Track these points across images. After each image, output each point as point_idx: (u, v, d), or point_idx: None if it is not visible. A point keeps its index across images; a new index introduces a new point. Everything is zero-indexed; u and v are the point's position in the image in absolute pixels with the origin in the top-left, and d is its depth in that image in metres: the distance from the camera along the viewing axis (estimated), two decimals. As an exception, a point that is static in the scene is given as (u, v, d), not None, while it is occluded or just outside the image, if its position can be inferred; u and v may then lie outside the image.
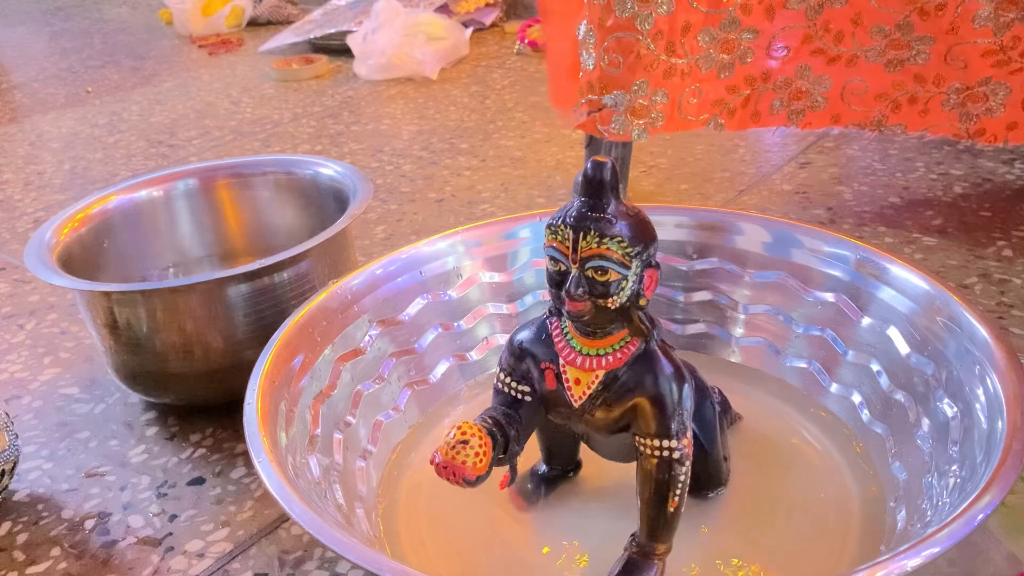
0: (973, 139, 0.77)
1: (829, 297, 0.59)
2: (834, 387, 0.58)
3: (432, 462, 0.42)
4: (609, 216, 0.40)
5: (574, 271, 0.40)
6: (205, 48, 1.96)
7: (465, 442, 0.41)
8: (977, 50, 0.73)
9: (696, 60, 0.77)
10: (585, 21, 0.76)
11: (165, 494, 0.60)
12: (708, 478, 0.51)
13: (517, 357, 0.46)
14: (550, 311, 0.45)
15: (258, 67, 1.75)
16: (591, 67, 0.77)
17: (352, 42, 1.62)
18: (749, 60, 0.79)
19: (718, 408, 0.51)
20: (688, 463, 0.43)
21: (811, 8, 0.76)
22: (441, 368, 0.62)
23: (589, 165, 0.40)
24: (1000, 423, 0.43)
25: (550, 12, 0.85)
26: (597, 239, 0.39)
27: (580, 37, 0.77)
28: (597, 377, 0.43)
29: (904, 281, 0.55)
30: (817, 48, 0.78)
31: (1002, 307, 0.73)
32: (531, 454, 0.50)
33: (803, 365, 0.60)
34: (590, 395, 0.43)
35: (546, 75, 0.91)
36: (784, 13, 0.76)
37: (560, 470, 0.53)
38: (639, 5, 0.72)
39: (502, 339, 0.63)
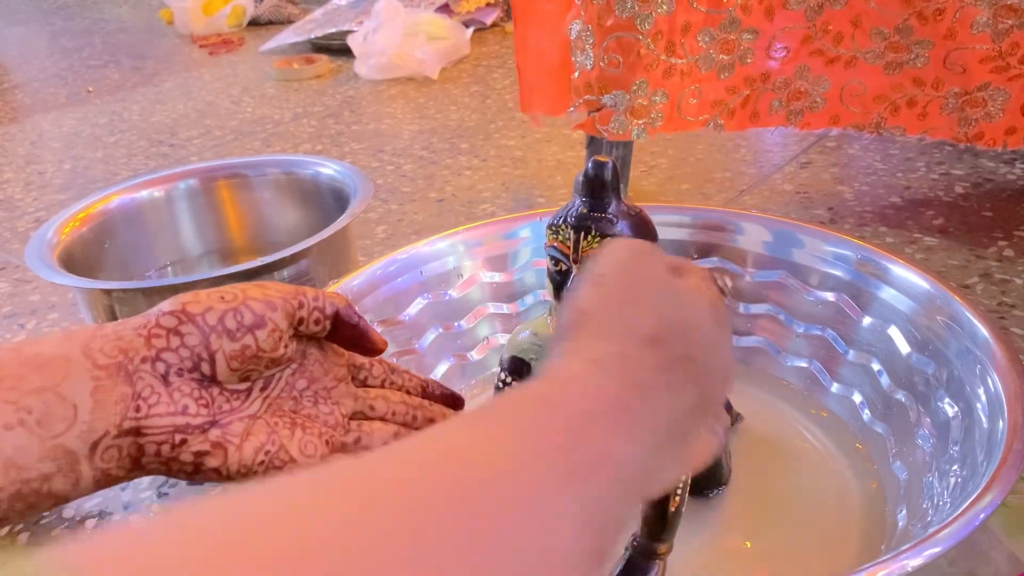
0: (972, 143, 0.77)
1: (830, 296, 0.59)
2: (835, 387, 0.58)
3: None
4: (610, 216, 0.40)
5: (575, 271, 0.40)
6: (206, 48, 1.96)
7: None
8: (976, 55, 0.73)
9: (696, 60, 0.77)
10: (579, 21, 0.76)
11: (166, 493, 0.60)
12: (709, 478, 0.51)
13: (518, 358, 0.46)
14: (551, 311, 0.45)
15: (259, 67, 1.75)
16: (589, 67, 0.77)
17: (353, 42, 1.62)
18: (749, 61, 0.79)
19: (719, 408, 0.51)
20: (689, 463, 0.43)
21: (811, 9, 0.76)
22: (442, 368, 0.62)
23: (590, 165, 0.40)
24: (1001, 423, 0.43)
25: (534, 12, 0.84)
26: (598, 239, 0.39)
27: (573, 37, 0.77)
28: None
29: (905, 281, 0.55)
30: (816, 49, 0.78)
31: (1003, 307, 0.73)
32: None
33: (804, 365, 0.60)
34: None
35: (516, 79, 0.90)
36: (784, 14, 0.76)
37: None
38: (639, 5, 0.72)
39: (503, 339, 0.63)
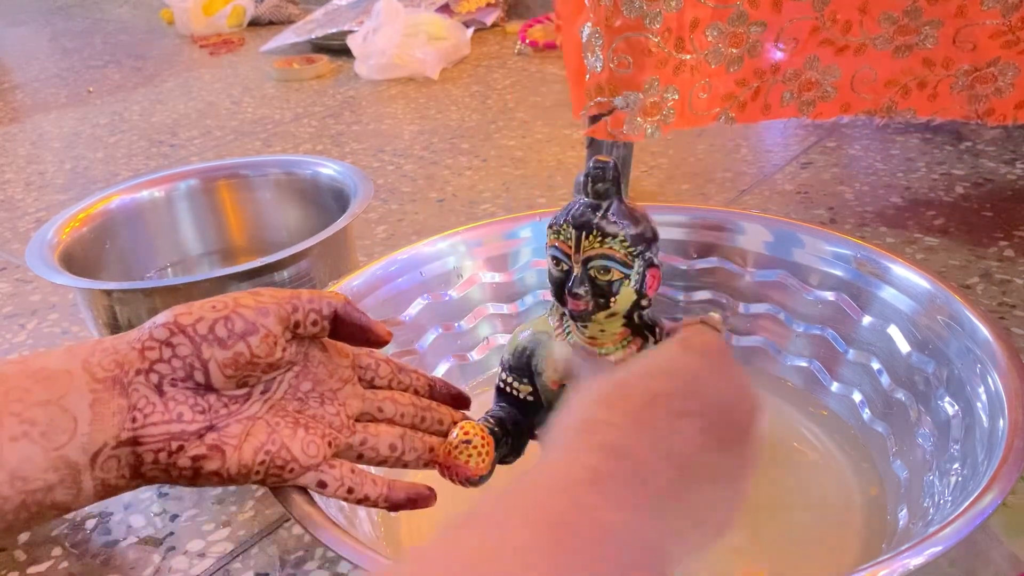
0: (982, 119, 0.77)
1: (830, 296, 0.59)
2: (835, 386, 0.58)
3: (435, 462, 0.42)
4: (611, 216, 0.40)
5: (577, 270, 0.40)
6: (206, 48, 1.96)
7: (468, 442, 0.41)
8: (985, 31, 0.73)
9: (705, 55, 0.77)
10: (589, 23, 0.75)
11: (166, 493, 0.60)
12: (709, 477, 0.51)
13: (519, 357, 0.46)
14: (551, 311, 0.45)
15: (259, 67, 1.75)
16: (599, 69, 0.76)
17: (352, 42, 1.62)
18: (758, 53, 0.78)
19: (719, 407, 0.51)
20: (689, 462, 0.43)
21: (818, -1, 0.75)
22: (442, 368, 0.62)
23: (591, 165, 0.40)
24: (1001, 422, 0.43)
25: (560, 16, 0.85)
26: (600, 239, 0.39)
27: (584, 39, 0.77)
28: (598, 376, 0.43)
29: (905, 280, 0.55)
30: (825, 39, 0.77)
31: (1004, 307, 0.73)
32: (532, 455, 0.50)
33: (804, 364, 0.60)
34: (591, 394, 0.43)
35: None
36: (791, 5, 0.76)
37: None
38: (647, 4, 0.72)
39: (503, 339, 0.63)
